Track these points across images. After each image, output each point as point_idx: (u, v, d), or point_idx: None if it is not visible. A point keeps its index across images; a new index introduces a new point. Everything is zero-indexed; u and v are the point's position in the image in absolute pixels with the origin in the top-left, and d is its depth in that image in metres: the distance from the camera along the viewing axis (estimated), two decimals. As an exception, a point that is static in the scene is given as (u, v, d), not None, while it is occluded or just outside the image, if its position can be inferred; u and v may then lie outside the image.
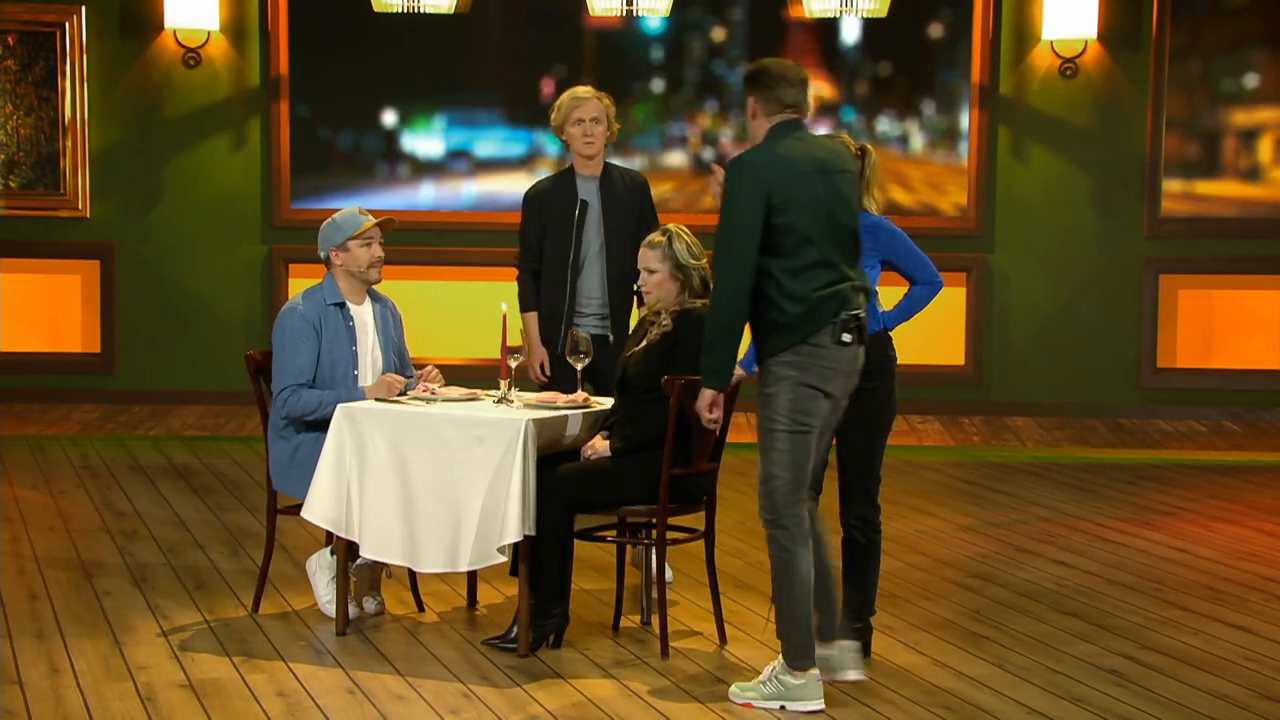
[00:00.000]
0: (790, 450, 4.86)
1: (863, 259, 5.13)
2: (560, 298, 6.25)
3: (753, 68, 5.01)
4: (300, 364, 5.69)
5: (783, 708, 4.89)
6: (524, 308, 6.34)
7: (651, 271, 5.52)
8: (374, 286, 5.90)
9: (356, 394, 5.69)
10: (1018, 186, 10.18)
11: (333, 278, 5.85)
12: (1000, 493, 8.19)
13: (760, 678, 4.96)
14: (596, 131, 6.28)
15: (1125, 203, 10.18)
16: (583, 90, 6.38)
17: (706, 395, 4.94)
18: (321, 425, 5.61)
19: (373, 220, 5.85)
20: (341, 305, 5.81)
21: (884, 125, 10.15)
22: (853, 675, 5.03)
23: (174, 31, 10.03)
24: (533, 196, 6.40)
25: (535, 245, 6.32)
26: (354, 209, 5.90)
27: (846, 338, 4.86)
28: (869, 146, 5.41)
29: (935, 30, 10.17)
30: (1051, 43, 10.04)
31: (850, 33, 10.16)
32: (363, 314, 5.86)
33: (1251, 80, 10.21)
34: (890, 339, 5.41)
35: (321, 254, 5.88)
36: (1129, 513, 7.75)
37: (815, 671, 4.91)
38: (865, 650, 5.33)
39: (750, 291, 4.82)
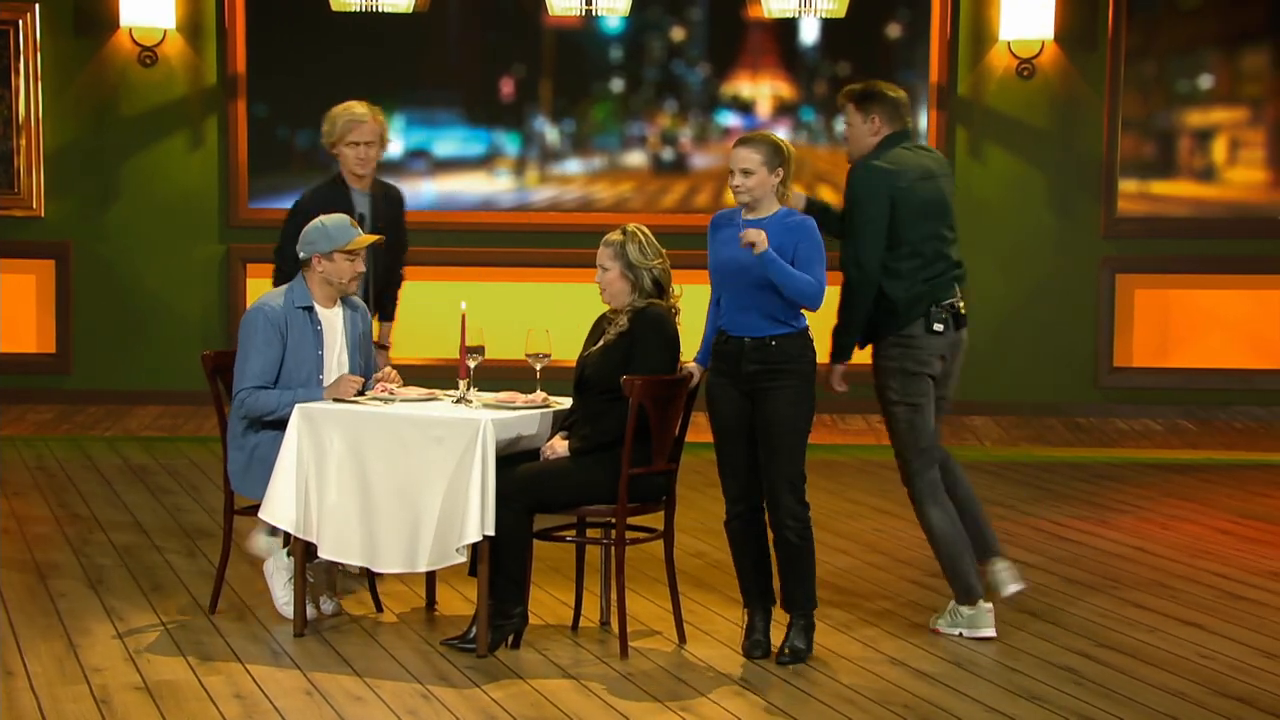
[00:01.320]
0: (908, 426, 5.63)
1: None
2: None
3: (869, 87, 5.73)
4: (262, 366, 5.64)
5: (961, 634, 5.67)
6: None
7: (604, 269, 5.52)
8: None
9: (315, 394, 5.66)
10: (976, 187, 10.22)
11: (305, 281, 5.78)
12: (958, 491, 8.22)
13: (945, 610, 5.74)
14: (370, 154, 6.38)
15: (1082, 203, 10.24)
16: (359, 109, 6.40)
17: (837, 371, 5.73)
18: (280, 425, 5.58)
19: (367, 238, 5.78)
20: (310, 309, 5.75)
21: (843, 125, 10.13)
22: (1014, 588, 5.80)
23: (130, 30, 9.97)
24: (308, 209, 6.13)
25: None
26: (345, 219, 5.79)
27: (938, 326, 5.59)
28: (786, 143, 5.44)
29: (893, 30, 10.20)
30: (1009, 43, 10.09)
31: (809, 33, 10.19)
32: (331, 318, 5.80)
33: (1206, 81, 10.29)
34: (809, 338, 5.41)
35: (301, 255, 5.77)
36: (1086, 511, 7.80)
37: (985, 603, 5.68)
38: (809, 644, 5.41)
39: (878, 280, 5.54)
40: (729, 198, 9.43)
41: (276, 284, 6.07)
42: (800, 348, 5.39)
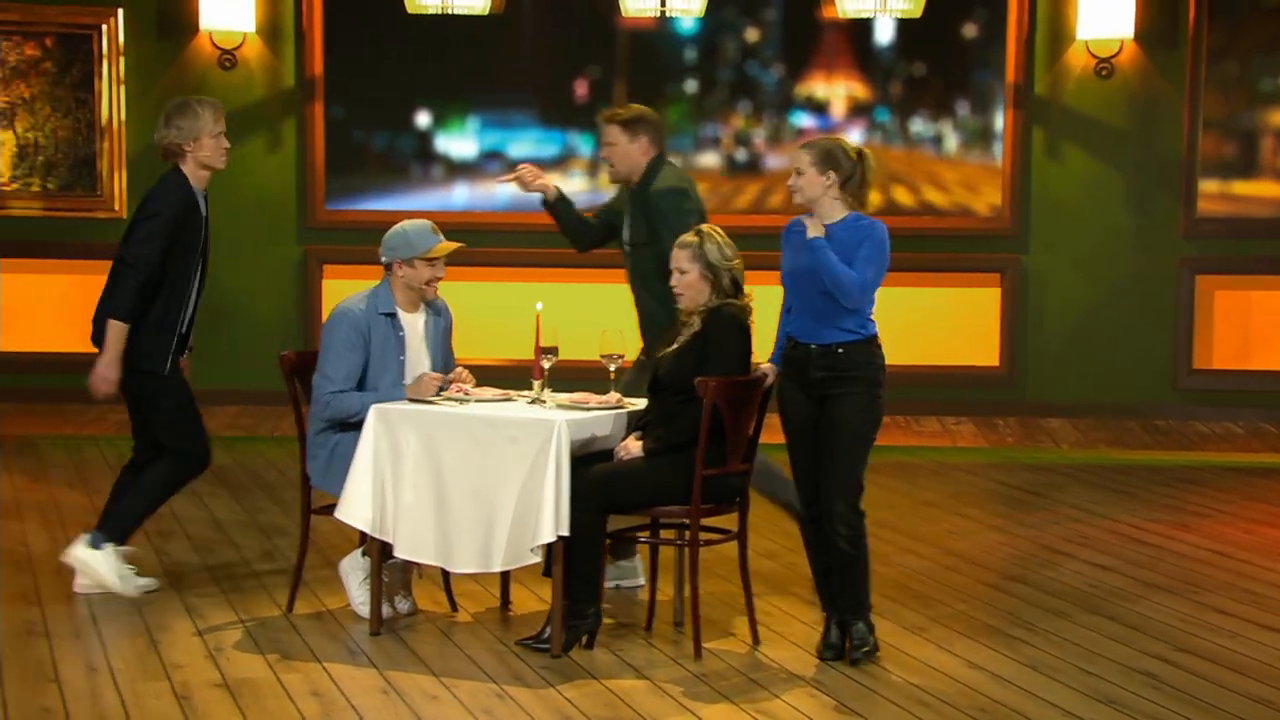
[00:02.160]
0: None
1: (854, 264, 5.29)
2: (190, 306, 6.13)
3: (635, 112, 6.10)
4: (346, 370, 5.67)
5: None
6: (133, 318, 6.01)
7: (683, 271, 5.52)
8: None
9: (396, 394, 5.68)
10: (1053, 187, 10.14)
11: (389, 285, 5.81)
12: (1034, 494, 8.16)
13: None
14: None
15: (1161, 203, 10.14)
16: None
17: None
18: (361, 425, 5.60)
19: (448, 245, 5.78)
20: (393, 315, 5.77)
21: (918, 126, 10.12)
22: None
23: (210, 33, 10.08)
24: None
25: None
26: (427, 225, 5.79)
27: None
28: (866, 150, 5.47)
29: (970, 30, 10.13)
30: (1087, 43, 10.00)
31: (884, 33, 10.14)
32: (414, 323, 5.83)
33: (1290, 80, 10.17)
34: (877, 344, 5.40)
35: (383, 260, 5.80)
36: (1165, 515, 7.72)
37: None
38: (866, 643, 5.39)
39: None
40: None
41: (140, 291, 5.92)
42: (867, 354, 5.36)
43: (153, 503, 6.14)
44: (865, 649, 5.37)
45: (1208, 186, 10.09)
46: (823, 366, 5.36)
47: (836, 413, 5.34)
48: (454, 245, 5.84)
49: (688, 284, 5.51)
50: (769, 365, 5.52)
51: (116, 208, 10.12)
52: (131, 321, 5.95)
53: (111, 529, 6.08)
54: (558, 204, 6.28)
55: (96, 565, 6.01)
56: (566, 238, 6.41)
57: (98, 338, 5.97)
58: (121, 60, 10.13)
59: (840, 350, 5.34)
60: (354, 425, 5.66)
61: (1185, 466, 8.93)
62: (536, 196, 6.36)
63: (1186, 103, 10.00)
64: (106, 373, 5.98)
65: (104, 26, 10.12)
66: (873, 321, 5.39)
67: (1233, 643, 5.64)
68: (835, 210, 5.38)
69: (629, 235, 6.19)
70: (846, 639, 5.41)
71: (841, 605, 5.40)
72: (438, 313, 5.91)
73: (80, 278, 10.12)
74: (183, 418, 6.10)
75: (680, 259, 5.51)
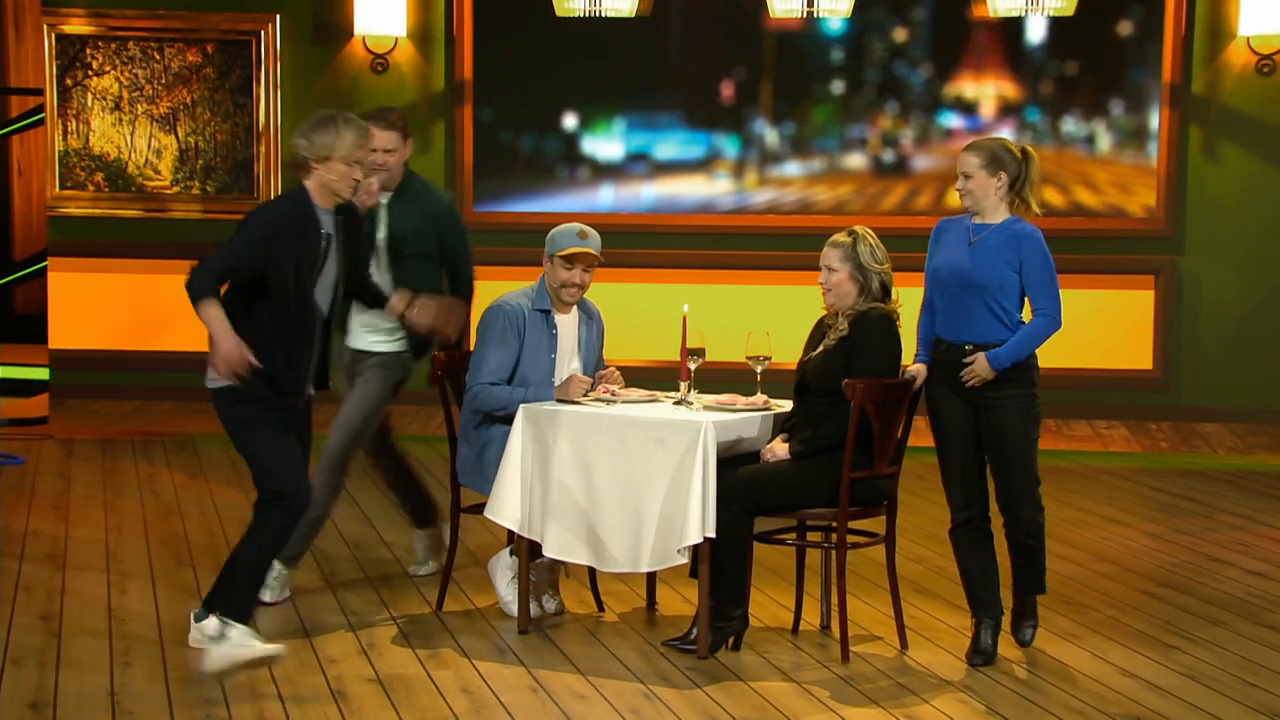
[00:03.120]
0: None
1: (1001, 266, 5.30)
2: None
3: (405, 117, 6.25)
4: (497, 363, 5.71)
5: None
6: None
7: (832, 270, 5.50)
8: (584, 295, 5.88)
9: (546, 393, 5.70)
10: (1210, 187, 9.94)
11: (544, 283, 5.84)
12: (1190, 500, 8.01)
13: None
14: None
15: (1323, 203, 9.89)
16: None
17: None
18: (509, 422, 5.64)
19: (577, 249, 5.73)
20: (547, 312, 5.81)
21: (1069, 125, 9.97)
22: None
23: (363, 38, 10.27)
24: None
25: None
26: (577, 228, 5.78)
27: None
28: (1029, 148, 5.43)
29: (1124, 28, 9.96)
30: (1248, 39, 9.80)
31: (1036, 31, 10.01)
32: (567, 323, 5.86)
33: None
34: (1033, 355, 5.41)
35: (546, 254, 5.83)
36: (1327, 523, 7.54)
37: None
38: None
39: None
40: (951, 200, 9.32)
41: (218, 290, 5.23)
42: (1025, 360, 5.32)
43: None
44: (1035, 628, 5.52)
45: (1372, 186, 9.83)
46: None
47: (998, 419, 5.31)
48: (584, 250, 5.73)
49: (836, 283, 5.49)
50: (918, 367, 5.47)
51: (272, 210, 10.34)
52: (202, 297, 5.09)
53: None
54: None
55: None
56: None
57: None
58: (278, 65, 10.36)
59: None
60: (503, 421, 5.71)
61: (1348, 474, 8.72)
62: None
63: (1352, 100, 9.75)
64: (212, 354, 5.09)
65: (262, 32, 10.35)
66: (1023, 322, 5.33)
67: (1399, 656, 5.49)
68: (999, 212, 5.33)
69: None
70: (1013, 623, 5.51)
71: (1026, 585, 5.48)
72: (590, 317, 5.95)
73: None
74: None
75: (830, 257, 5.49)
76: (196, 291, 5.08)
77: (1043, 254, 5.30)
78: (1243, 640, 5.63)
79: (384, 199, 6.20)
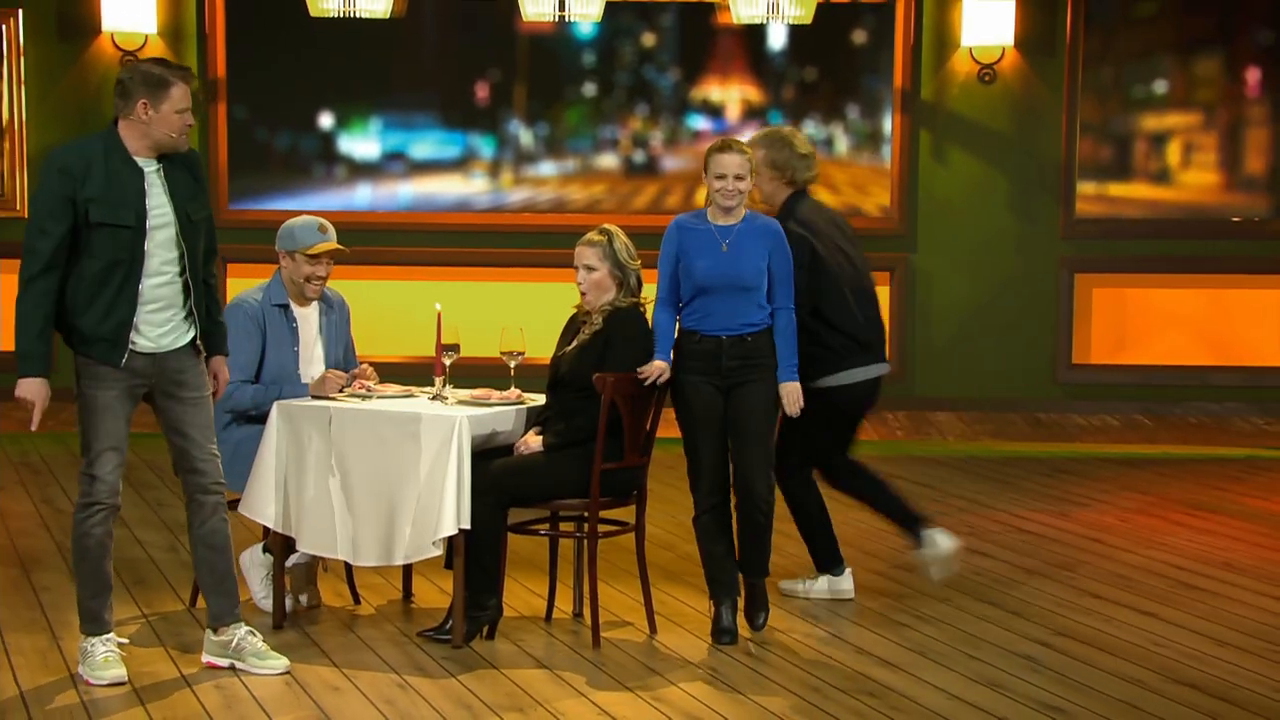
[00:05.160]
0: None
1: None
2: None
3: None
4: (241, 361, 5.69)
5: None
6: None
7: (591, 269, 5.62)
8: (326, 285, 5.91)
9: (298, 390, 5.73)
10: (939, 188, 10.38)
11: (280, 278, 5.87)
12: (924, 486, 8.30)
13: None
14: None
15: (1041, 204, 10.40)
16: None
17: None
18: (263, 420, 5.64)
19: (326, 245, 5.79)
20: (285, 306, 5.84)
21: (810, 128, 10.31)
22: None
23: (112, 34, 10.07)
24: None
25: None
26: (317, 223, 5.82)
27: None
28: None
29: (859, 36, 10.33)
30: (970, 49, 10.24)
31: (777, 39, 10.33)
32: (307, 315, 5.89)
33: (1161, 86, 10.47)
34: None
35: (277, 248, 5.86)
36: (1046, 504, 7.92)
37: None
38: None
39: None
40: (699, 199, 9.59)
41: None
42: (770, 343, 5.63)
43: None
44: (766, 613, 5.71)
45: (1085, 188, 10.38)
46: (735, 356, 5.58)
47: (747, 399, 5.58)
48: (333, 246, 5.81)
49: (594, 281, 5.62)
50: (663, 362, 5.60)
51: (18, 208, 10.07)
52: None
53: None
54: None
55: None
56: None
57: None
58: (21, 61, 10.09)
59: (749, 339, 5.59)
60: (255, 419, 5.71)
61: (1065, 458, 9.13)
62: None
63: (1064, 108, 10.28)
64: None
65: (3, 27, 10.07)
66: (769, 315, 5.66)
67: (1109, 626, 5.81)
68: (740, 210, 5.65)
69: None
70: (745, 610, 5.68)
71: (753, 567, 5.67)
72: (331, 305, 5.96)
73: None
74: None
75: (588, 256, 5.61)
76: None
77: (787, 251, 5.66)
78: (967, 616, 5.91)
79: None
